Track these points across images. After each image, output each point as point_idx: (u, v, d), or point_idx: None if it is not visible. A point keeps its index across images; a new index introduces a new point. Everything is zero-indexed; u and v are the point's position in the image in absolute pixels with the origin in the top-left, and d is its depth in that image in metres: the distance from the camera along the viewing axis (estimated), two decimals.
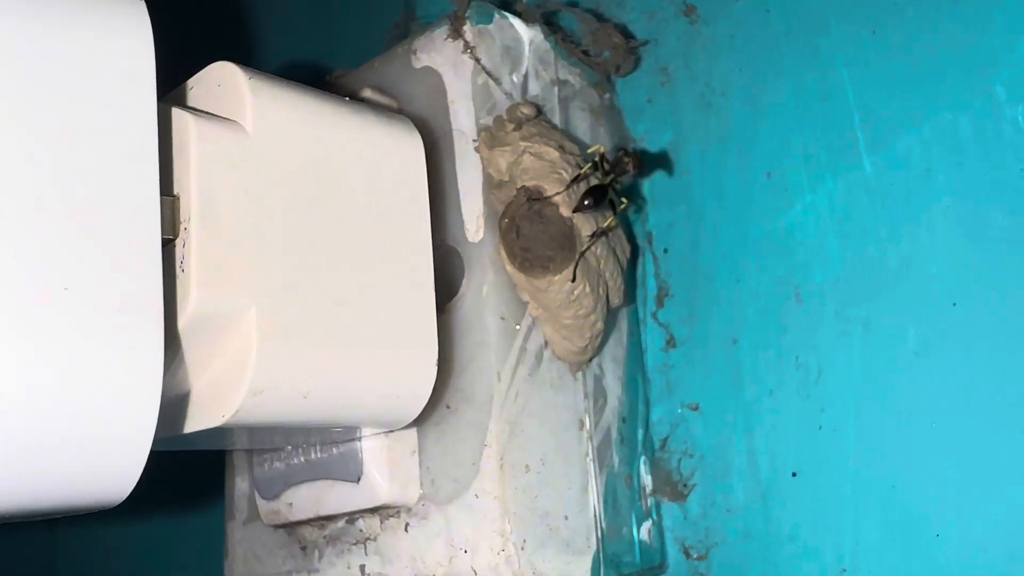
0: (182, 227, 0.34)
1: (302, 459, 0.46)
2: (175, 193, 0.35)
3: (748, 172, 0.48)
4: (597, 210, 0.44)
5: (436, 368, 0.40)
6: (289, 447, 0.47)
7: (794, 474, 0.45)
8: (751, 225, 0.48)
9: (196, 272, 0.33)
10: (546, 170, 0.44)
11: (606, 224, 0.44)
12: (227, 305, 0.34)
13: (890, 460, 0.42)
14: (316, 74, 0.52)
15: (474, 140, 0.45)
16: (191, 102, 0.38)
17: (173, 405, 0.36)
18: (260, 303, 0.35)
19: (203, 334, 0.34)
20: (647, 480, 0.49)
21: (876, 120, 0.44)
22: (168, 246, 0.34)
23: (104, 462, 0.31)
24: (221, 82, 0.37)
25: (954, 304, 0.41)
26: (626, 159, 0.44)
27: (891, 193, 0.43)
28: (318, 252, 0.37)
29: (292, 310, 0.36)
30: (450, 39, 0.46)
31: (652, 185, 0.52)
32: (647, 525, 0.48)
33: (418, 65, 0.47)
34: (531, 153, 0.44)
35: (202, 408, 0.36)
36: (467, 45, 0.46)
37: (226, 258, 0.34)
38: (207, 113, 0.36)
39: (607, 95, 0.53)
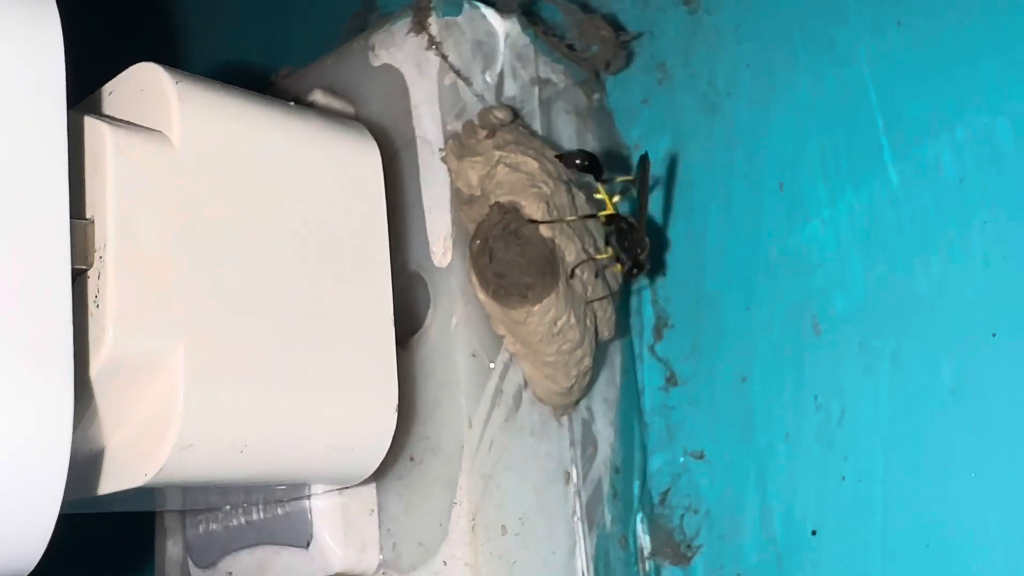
0: (96, 256, 0.34)
1: (242, 520, 0.46)
2: (88, 216, 0.34)
3: (758, 183, 0.49)
4: (587, 174, 0.44)
5: (396, 414, 0.40)
6: (227, 507, 0.46)
7: (814, 532, 0.45)
8: (762, 244, 0.48)
9: (113, 308, 0.33)
10: (524, 184, 0.44)
11: (602, 256, 0.45)
12: (150, 345, 0.34)
13: (924, 515, 0.42)
14: (258, 75, 0.52)
15: (440, 149, 0.45)
16: (109, 110, 0.38)
17: (86, 462, 0.36)
18: (189, 342, 0.34)
19: (121, 380, 0.34)
20: (645, 541, 0.49)
21: (903, 123, 0.45)
22: (80, 278, 0.34)
23: (5, 529, 0.31)
24: (144, 87, 0.37)
25: (994, 334, 0.41)
26: (640, 254, 0.44)
27: (921, 206, 0.44)
28: (258, 282, 0.37)
29: (226, 350, 0.35)
30: (413, 33, 0.46)
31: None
32: None
33: (376, 63, 0.48)
34: (506, 164, 0.44)
35: (121, 466, 0.35)
36: (432, 40, 0.46)
37: (148, 291, 0.34)
38: (127, 123, 0.36)
39: (596, 95, 0.53)
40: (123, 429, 0.35)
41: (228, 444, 0.36)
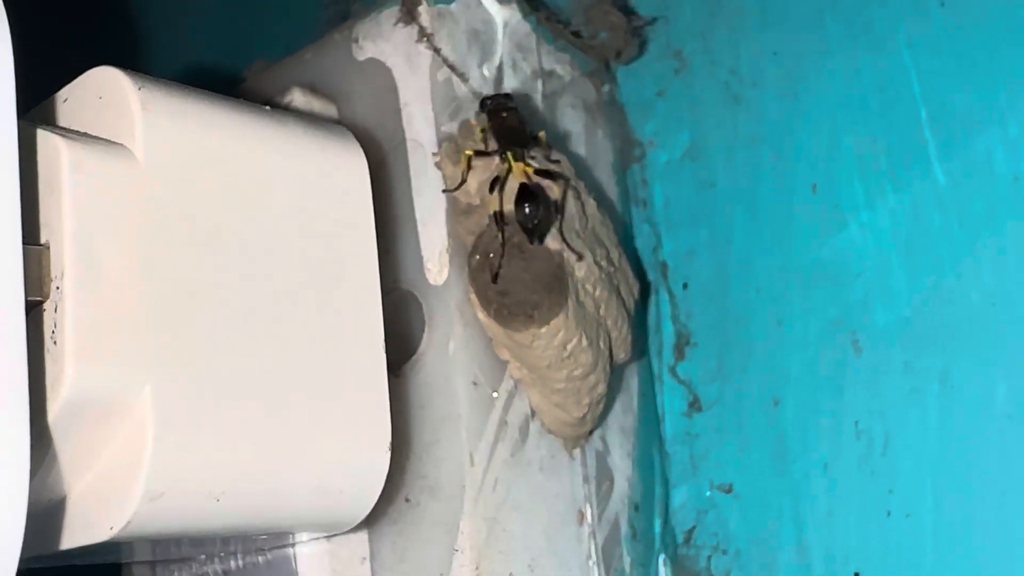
0: (53, 286, 0.34)
1: (219, 570, 0.46)
2: (43, 242, 0.34)
3: (788, 184, 0.49)
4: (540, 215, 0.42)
5: (389, 452, 0.40)
6: (202, 556, 0.46)
7: (857, 574, 0.45)
8: (794, 252, 0.48)
9: (72, 343, 0.33)
10: None
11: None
12: (114, 385, 0.34)
13: (979, 555, 0.42)
14: (228, 72, 0.52)
15: (434, 153, 0.45)
16: (63, 121, 0.38)
17: (46, 515, 0.36)
18: (157, 381, 0.34)
19: (83, 423, 0.34)
20: None
21: (949, 116, 0.45)
22: (35, 311, 0.34)
23: None
24: (102, 93, 0.37)
25: None
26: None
27: (970, 209, 0.44)
28: (232, 311, 0.37)
29: (199, 387, 0.35)
30: (402, 24, 0.46)
31: (666, 202, 0.53)
32: None
33: (362, 57, 0.48)
34: None
35: (84, 518, 0.35)
36: (423, 31, 0.46)
37: (112, 324, 0.34)
38: (84, 135, 0.36)
39: (606, 88, 0.53)
40: (86, 478, 0.35)
41: (203, 493, 0.35)
